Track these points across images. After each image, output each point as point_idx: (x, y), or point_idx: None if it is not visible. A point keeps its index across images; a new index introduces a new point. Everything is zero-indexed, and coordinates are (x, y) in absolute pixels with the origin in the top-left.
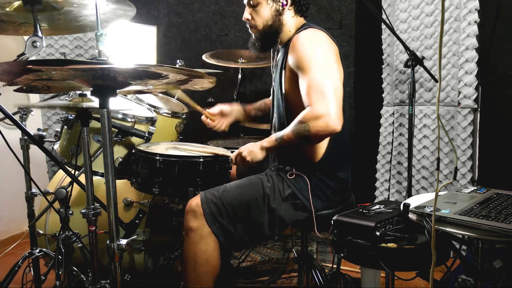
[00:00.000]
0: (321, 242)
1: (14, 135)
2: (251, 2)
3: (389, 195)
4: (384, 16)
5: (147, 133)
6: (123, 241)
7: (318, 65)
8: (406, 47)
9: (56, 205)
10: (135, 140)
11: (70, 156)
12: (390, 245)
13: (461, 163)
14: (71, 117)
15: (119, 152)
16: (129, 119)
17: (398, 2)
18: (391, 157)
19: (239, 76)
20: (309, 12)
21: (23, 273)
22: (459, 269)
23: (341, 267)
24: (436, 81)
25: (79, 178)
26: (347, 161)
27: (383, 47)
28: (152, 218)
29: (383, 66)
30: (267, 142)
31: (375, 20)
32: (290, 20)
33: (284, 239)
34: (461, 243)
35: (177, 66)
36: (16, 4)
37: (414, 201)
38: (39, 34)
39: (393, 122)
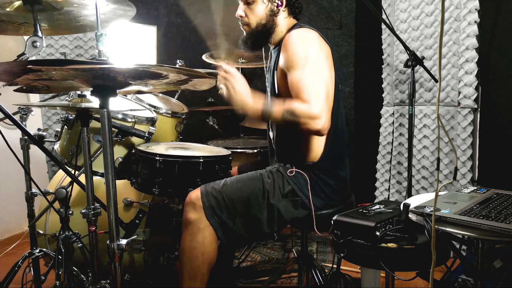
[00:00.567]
0: (321, 242)
1: (14, 135)
2: None
3: (389, 195)
4: (384, 16)
5: (147, 133)
6: (123, 241)
7: (311, 63)
8: (406, 47)
9: (56, 205)
10: (135, 140)
11: (70, 156)
12: (390, 245)
13: (461, 163)
14: (71, 117)
15: (119, 152)
16: (129, 119)
17: (398, 2)
18: (391, 157)
19: None
20: (309, 12)
21: (23, 273)
22: (459, 269)
23: (341, 267)
24: (436, 81)
25: (79, 178)
26: (346, 160)
27: (383, 47)
28: (152, 218)
29: (383, 66)
30: (256, 109)
31: (375, 20)
32: (283, 21)
33: (284, 239)
34: (461, 243)
35: (177, 66)
36: (16, 4)
37: (414, 201)
38: (39, 34)
39: (393, 122)
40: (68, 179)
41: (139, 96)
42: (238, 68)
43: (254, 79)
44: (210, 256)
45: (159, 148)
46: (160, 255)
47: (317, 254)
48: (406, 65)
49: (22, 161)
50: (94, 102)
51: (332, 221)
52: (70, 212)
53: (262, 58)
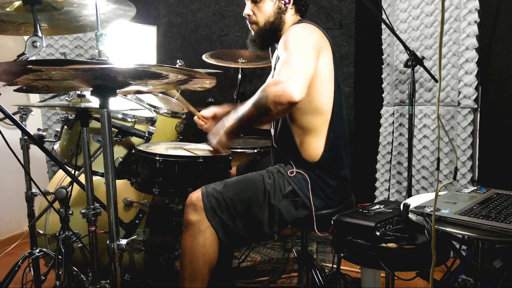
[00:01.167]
0: (321, 242)
1: (14, 135)
2: None
3: (389, 195)
4: (384, 16)
5: (147, 133)
6: (123, 241)
7: (297, 47)
8: (406, 47)
9: (56, 205)
10: (135, 140)
11: (70, 156)
12: (390, 245)
13: (461, 163)
14: (71, 117)
15: (119, 152)
16: (129, 119)
17: (398, 2)
18: (391, 157)
19: (239, 76)
20: (309, 12)
21: (23, 273)
22: (459, 269)
23: (341, 267)
24: (436, 81)
25: (79, 178)
26: (346, 160)
27: (383, 47)
28: (152, 218)
29: (383, 66)
30: (229, 126)
31: (375, 20)
32: (290, 18)
33: (284, 239)
34: (461, 243)
35: (177, 66)
36: (16, 4)
37: (414, 201)
38: (39, 34)
39: (393, 122)
40: (68, 179)
41: (139, 96)
42: (238, 68)
43: (254, 79)
44: (211, 257)
45: (159, 148)
46: (160, 255)
47: (317, 254)
48: (406, 65)
49: (22, 161)
50: (94, 102)
51: (332, 221)
52: (70, 212)
53: (262, 58)
